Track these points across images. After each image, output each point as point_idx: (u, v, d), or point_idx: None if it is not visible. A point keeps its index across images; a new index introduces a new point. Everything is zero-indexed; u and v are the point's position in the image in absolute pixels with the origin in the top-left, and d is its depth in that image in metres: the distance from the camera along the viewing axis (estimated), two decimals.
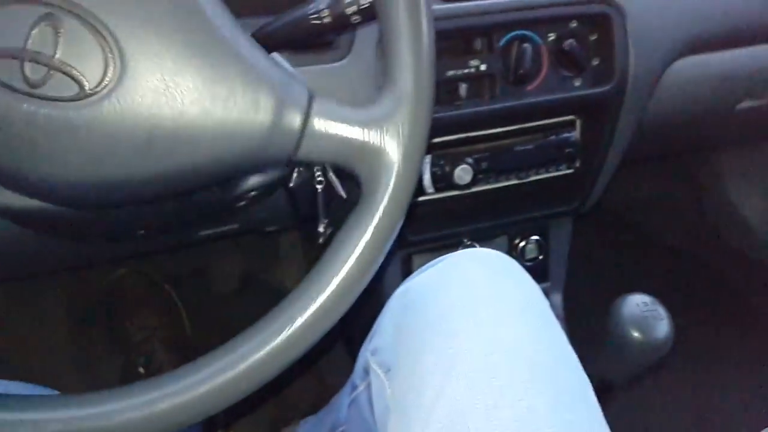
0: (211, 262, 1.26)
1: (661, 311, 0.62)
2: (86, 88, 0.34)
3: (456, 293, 0.47)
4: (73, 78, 0.34)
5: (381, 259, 0.39)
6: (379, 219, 0.38)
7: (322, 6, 0.47)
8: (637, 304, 0.62)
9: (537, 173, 0.80)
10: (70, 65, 0.34)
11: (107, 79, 0.34)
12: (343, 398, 0.66)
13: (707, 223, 1.38)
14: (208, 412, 0.37)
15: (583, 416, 0.42)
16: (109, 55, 0.34)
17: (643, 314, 0.61)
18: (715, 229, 1.37)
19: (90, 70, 0.34)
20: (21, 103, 0.34)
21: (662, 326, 0.61)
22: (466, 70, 0.69)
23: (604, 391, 0.74)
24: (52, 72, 0.34)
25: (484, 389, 0.41)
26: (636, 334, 0.61)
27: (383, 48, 0.40)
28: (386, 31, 0.39)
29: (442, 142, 0.74)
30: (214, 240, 0.80)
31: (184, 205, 0.52)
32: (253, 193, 0.55)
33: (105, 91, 0.34)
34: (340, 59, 0.62)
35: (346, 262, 0.37)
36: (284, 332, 0.37)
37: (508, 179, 0.80)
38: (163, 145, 0.36)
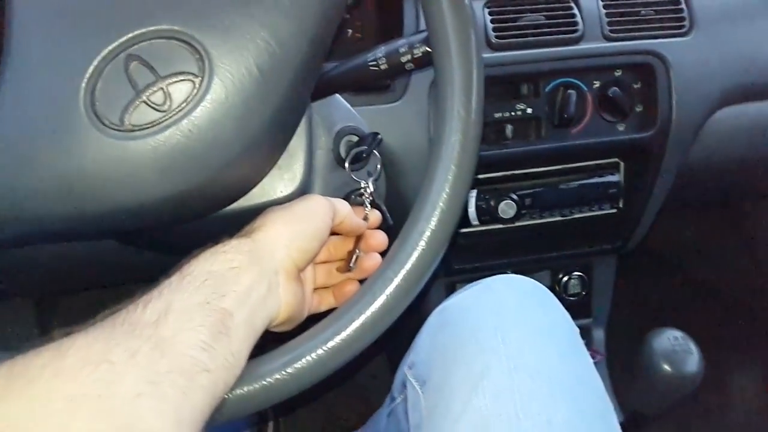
0: None
1: (691, 346, 0.64)
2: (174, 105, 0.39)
3: (488, 314, 0.51)
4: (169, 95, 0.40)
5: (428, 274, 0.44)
6: (426, 242, 0.43)
7: (380, 54, 0.53)
8: (668, 338, 0.65)
9: (580, 211, 0.84)
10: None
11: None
12: (382, 411, 0.71)
13: (755, 270, 1.36)
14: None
15: None
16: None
17: (674, 348, 0.64)
18: (762, 276, 1.35)
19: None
20: (116, 139, 0.39)
21: (692, 360, 0.63)
22: (512, 113, 0.75)
23: (637, 422, 0.76)
24: (137, 104, 0.39)
25: (507, 402, 0.45)
26: (666, 367, 0.63)
27: (435, 95, 0.46)
28: (439, 81, 0.45)
29: (488, 178, 0.79)
30: None
31: None
32: None
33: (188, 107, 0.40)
34: (396, 101, 0.69)
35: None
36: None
37: (551, 216, 0.84)
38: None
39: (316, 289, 0.53)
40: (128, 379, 0.32)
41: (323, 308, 0.54)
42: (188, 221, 0.47)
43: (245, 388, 0.40)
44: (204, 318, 0.37)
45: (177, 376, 0.34)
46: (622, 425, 0.78)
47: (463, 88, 0.44)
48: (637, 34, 0.76)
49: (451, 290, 0.91)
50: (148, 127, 0.39)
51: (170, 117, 0.40)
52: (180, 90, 0.39)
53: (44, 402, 0.30)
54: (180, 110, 0.40)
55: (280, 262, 0.44)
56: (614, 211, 0.85)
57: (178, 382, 0.34)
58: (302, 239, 0.46)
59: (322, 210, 0.48)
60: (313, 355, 0.41)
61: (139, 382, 0.33)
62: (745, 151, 0.88)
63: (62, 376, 0.31)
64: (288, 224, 0.46)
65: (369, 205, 0.58)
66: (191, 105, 0.40)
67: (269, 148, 0.47)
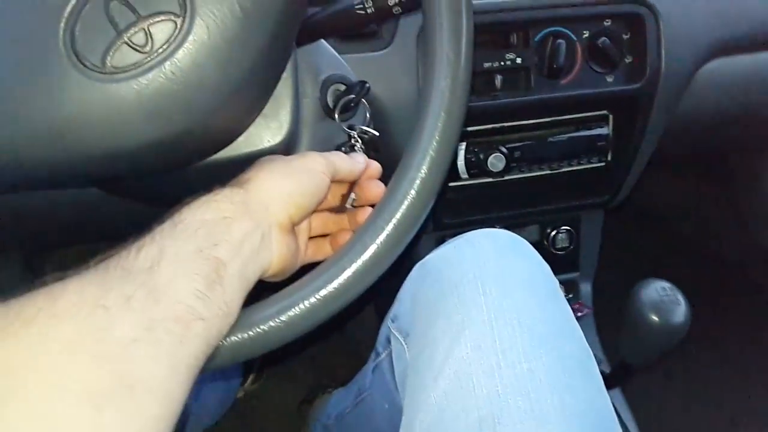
0: None
1: (679, 297, 0.64)
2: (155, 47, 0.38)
3: (468, 266, 0.51)
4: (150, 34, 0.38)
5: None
6: (417, 188, 0.42)
7: None
8: (656, 289, 0.65)
9: (569, 165, 0.84)
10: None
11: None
12: (368, 366, 0.71)
13: (742, 225, 1.37)
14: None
15: (581, 382, 0.45)
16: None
17: (661, 299, 0.64)
18: (749, 231, 1.36)
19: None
20: (98, 81, 0.38)
21: (679, 311, 0.63)
22: (502, 63, 0.73)
23: (624, 373, 0.77)
24: (118, 45, 0.38)
25: (488, 351, 0.45)
26: (654, 317, 0.63)
27: (424, 40, 0.44)
28: (427, 24, 0.44)
29: (478, 130, 0.78)
30: None
31: None
32: None
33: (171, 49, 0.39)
34: (383, 48, 0.67)
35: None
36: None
37: (540, 169, 0.83)
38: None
39: (312, 238, 0.52)
40: (124, 325, 0.32)
41: (319, 258, 0.52)
42: (173, 169, 0.47)
43: (239, 336, 0.40)
44: (198, 266, 0.37)
45: (172, 323, 0.34)
46: (609, 376, 0.80)
47: (452, 31, 0.43)
48: None
49: (440, 244, 0.90)
50: (130, 69, 0.38)
51: (153, 59, 0.39)
52: (162, 30, 0.38)
53: (41, 345, 0.29)
54: (162, 51, 0.39)
55: (274, 215, 0.44)
56: (602, 164, 0.84)
57: (174, 329, 0.34)
58: (300, 195, 0.45)
59: (321, 168, 0.47)
60: (306, 303, 0.41)
61: (134, 328, 0.32)
62: (734, 105, 0.87)
63: (58, 319, 0.30)
64: (285, 178, 0.45)
65: None
66: (173, 46, 0.39)
67: (254, 93, 0.46)
